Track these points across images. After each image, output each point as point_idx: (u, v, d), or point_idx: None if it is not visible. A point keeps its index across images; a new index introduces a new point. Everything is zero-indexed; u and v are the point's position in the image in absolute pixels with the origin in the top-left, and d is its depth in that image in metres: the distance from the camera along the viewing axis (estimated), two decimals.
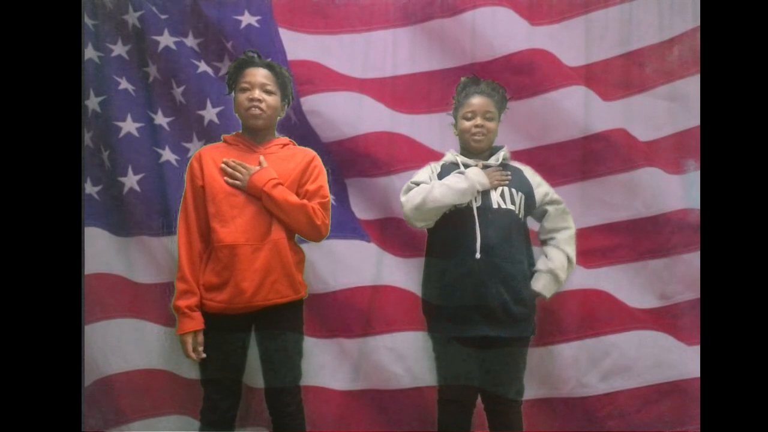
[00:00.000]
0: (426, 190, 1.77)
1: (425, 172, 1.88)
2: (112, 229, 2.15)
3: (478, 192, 1.78)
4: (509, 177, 1.84)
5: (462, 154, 1.90)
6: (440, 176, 1.85)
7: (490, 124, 1.85)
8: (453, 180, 1.78)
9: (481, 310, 1.74)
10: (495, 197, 1.80)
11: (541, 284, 1.81)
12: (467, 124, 1.85)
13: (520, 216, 1.83)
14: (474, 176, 1.77)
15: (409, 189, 1.83)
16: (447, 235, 1.81)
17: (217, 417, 1.74)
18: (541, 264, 1.83)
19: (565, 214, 1.89)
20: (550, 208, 1.88)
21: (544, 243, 1.89)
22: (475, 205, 1.78)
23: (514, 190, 1.82)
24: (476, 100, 1.85)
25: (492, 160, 1.86)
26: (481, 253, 1.74)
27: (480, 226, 1.76)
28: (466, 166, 1.84)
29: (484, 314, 1.74)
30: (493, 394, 1.81)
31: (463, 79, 1.94)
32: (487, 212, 1.78)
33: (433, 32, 2.21)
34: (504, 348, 1.78)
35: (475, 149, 1.86)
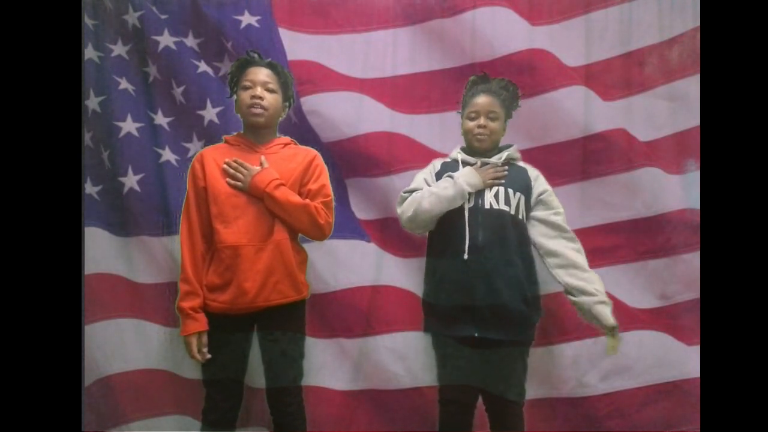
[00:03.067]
0: (417, 201, 1.78)
1: (422, 176, 1.88)
2: (112, 229, 2.15)
3: (469, 194, 1.77)
4: (504, 174, 1.82)
5: (467, 153, 1.90)
6: (439, 175, 1.85)
7: (494, 125, 1.84)
8: (441, 187, 1.78)
9: (468, 310, 1.74)
10: (488, 197, 1.79)
11: (606, 318, 1.75)
12: (470, 124, 1.85)
13: (519, 216, 1.81)
14: (462, 179, 1.76)
15: (403, 200, 1.83)
16: (440, 235, 1.82)
17: (219, 417, 1.74)
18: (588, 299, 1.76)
19: (553, 227, 1.81)
20: (543, 215, 1.81)
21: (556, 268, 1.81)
22: (466, 206, 1.78)
23: (511, 191, 1.81)
24: (480, 100, 1.84)
25: (494, 159, 1.85)
26: (468, 253, 1.74)
27: (469, 227, 1.76)
28: (466, 164, 1.84)
29: (471, 315, 1.74)
30: (493, 395, 1.81)
31: (472, 77, 1.93)
32: (478, 213, 1.77)
33: (433, 32, 2.21)
34: (501, 349, 1.78)
35: (478, 149, 1.86)
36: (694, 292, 2.10)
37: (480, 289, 1.73)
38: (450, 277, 1.77)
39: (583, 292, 1.76)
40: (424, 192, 1.79)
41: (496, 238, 1.76)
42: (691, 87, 2.16)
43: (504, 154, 1.86)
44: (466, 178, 1.78)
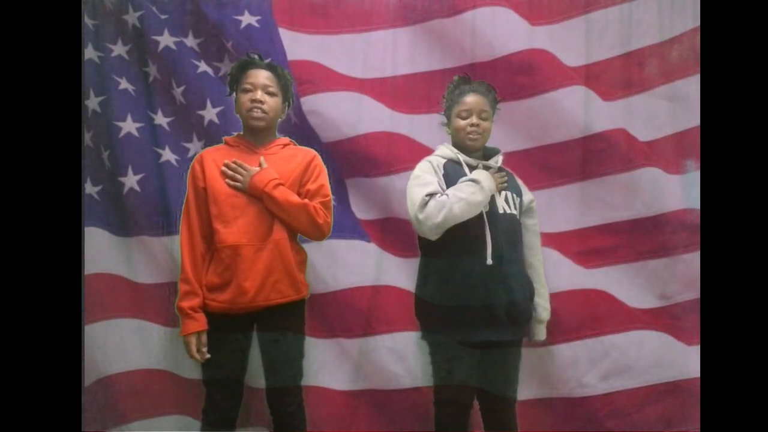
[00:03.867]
0: (446, 207, 1.69)
1: (430, 177, 1.79)
2: (112, 229, 2.15)
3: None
4: (506, 179, 1.85)
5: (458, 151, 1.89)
6: (447, 177, 1.79)
7: (485, 123, 1.84)
8: (468, 192, 1.72)
9: (485, 314, 1.73)
10: (500, 202, 1.80)
11: (540, 334, 1.89)
12: (462, 122, 1.83)
13: (520, 220, 1.85)
14: (487, 184, 1.74)
15: (425, 203, 1.71)
16: (453, 239, 1.74)
17: (219, 417, 1.74)
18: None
19: (537, 237, 1.91)
20: (530, 223, 1.89)
21: None
22: (484, 211, 1.76)
23: (514, 195, 1.83)
24: (471, 99, 1.83)
25: (492, 162, 1.85)
26: (492, 258, 1.73)
27: (490, 233, 1.74)
28: (468, 165, 1.82)
29: (488, 319, 1.73)
30: (490, 394, 1.81)
31: (455, 78, 1.92)
32: (495, 218, 1.77)
33: (433, 32, 2.21)
34: (502, 349, 1.79)
35: (471, 148, 1.85)
36: (694, 292, 2.10)
37: (500, 293, 1.73)
38: (471, 283, 1.74)
39: (534, 308, 1.87)
40: (451, 197, 1.71)
41: (510, 242, 1.78)
42: (691, 87, 2.17)
43: (499, 158, 1.87)
44: (488, 183, 1.75)
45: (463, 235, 1.74)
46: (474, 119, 1.82)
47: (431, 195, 1.73)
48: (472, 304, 1.73)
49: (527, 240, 1.88)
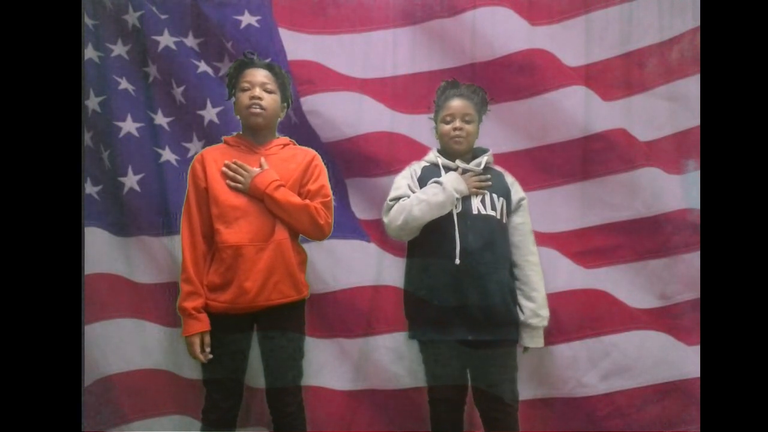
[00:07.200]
0: (406, 209, 1.77)
1: (404, 181, 1.87)
2: (112, 229, 2.15)
3: (457, 199, 1.78)
4: (489, 183, 1.83)
5: (443, 155, 1.90)
6: (420, 180, 1.85)
7: (469, 127, 1.85)
8: (430, 193, 1.77)
9: (460, 313, 1.75)
10: (475, 203, 1.80)
11: (528, 340, 1.82)
12: (446, 127, 1.86)
13: (503, 221, 1.83)
14: (450, 185, 1.77)
15: (389, 208, 1.82)
16: (427, 239, 1.81)
17: (219, 417, 1.74)
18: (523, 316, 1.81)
19: (525, 236, 1.85)
20: (517, 222, 1.85)
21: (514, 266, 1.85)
22: (455, 211, 1.78)
23: (495, 196, 1.83)
24: (455, 103, 1.85)
25: (473, 164, 1.85)
26: (460, 258, 1.74)
27: (459, 232, 1.76)
28: (446, 168, 1.85)
29: (463, 318, 1.75)
30: (485, 397, 1.80)
31: (442, 83, 1.94)
32: (466, 218, 1.78)
33: (433, 32, 2.21)
34: (489, 348, 1.78)
35: (456, 152, 1.87)
36: (694, 292, 2.10)
37: (472, 293, 1.74)
38: (442, 282, 1.77)
39: (521, 311, 1.81)
40: (413, 199, 1.78)
41: (486, 242, 1.77)
42: (691, 87, 2.17)
43: (483, 160, 1.87)
44: (454, 184, 1.78)
45: (434, 236, 1.79)
46: (457, 123, 1.84)
47: (396, 199, 1.82)
48: (446, 303, 1.75)
49: (513, 240, 1.85)
